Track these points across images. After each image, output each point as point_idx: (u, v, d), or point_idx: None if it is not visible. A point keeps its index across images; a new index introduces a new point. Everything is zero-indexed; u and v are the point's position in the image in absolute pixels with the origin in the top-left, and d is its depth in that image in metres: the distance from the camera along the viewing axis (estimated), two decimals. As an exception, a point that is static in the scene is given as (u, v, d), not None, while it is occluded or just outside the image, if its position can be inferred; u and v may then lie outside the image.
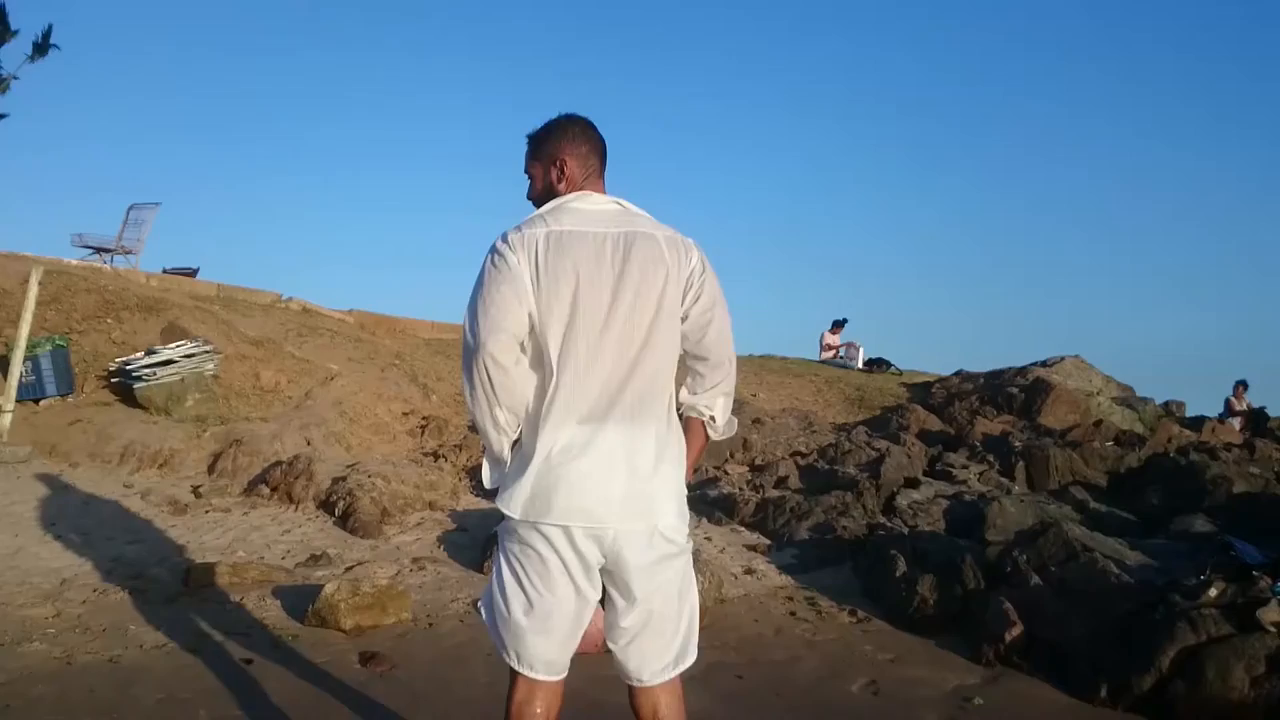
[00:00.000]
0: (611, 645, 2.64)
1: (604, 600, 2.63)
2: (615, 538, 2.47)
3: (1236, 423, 16.00)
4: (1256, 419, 16.34)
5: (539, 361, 2.48)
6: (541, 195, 2.67)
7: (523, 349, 2.48)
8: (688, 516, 2.66)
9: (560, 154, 2.64)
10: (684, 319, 2.59)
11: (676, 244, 2.59)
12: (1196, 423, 14.50)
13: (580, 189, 2.63)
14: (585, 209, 2.58)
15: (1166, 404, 15.59)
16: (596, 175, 2.68)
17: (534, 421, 2.48)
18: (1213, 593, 4.91)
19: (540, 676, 2.53)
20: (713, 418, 2.75)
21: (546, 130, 2.70)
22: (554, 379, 2.45)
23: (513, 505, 2.48)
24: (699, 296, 2.60)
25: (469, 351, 2.44)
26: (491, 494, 2.69)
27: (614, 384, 2.48)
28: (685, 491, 2.65)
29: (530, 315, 2.44)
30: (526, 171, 2.73)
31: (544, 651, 2.51)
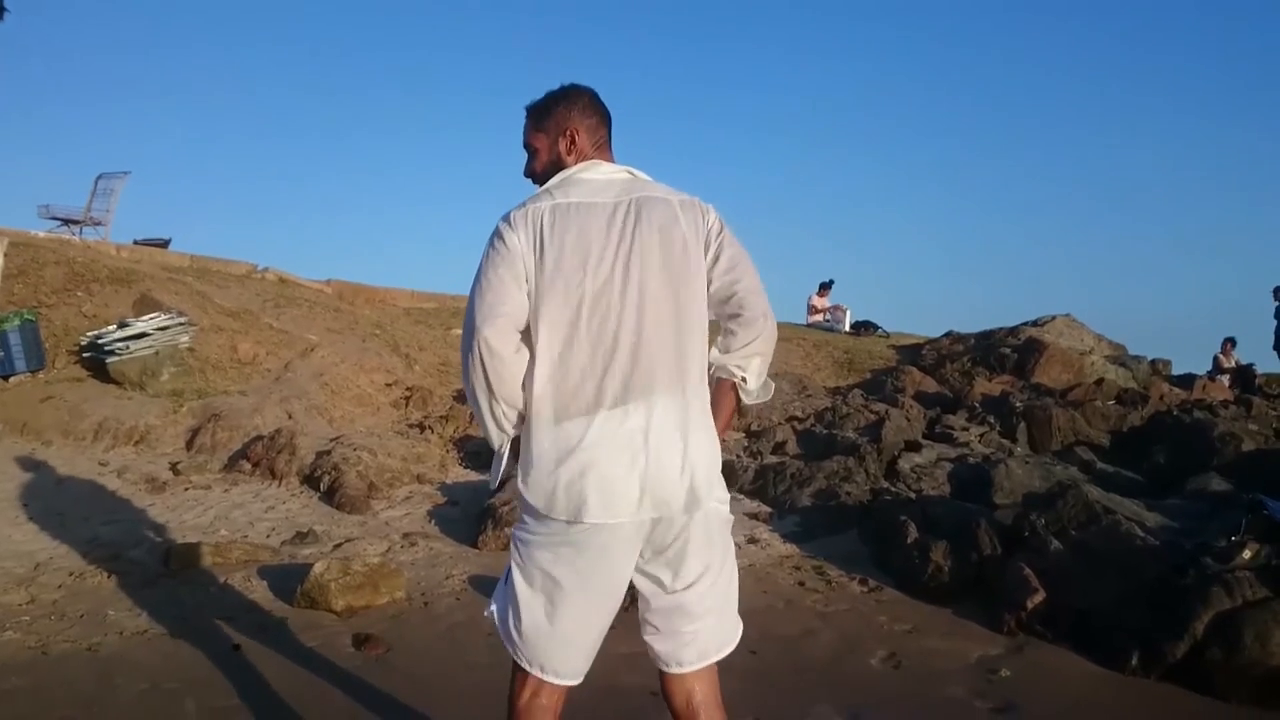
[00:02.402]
0: (648, 633, 2.45)
1: (634, 588, 2.45)
2: (660, 525, 2.29)
3: (1225, 380, 15.91)
4: (1245, 376, 16.26)
5: (551, 345, 2.26)
6: (547, 168, 2.50)
7: (525, 336, 2.27)
8: (724, 483, 2.47)
9: (570, 125, 2.48)
10: (710, 283, 2.43)
11: (691, 206, 2.45)
12: (1185, 380, 14.41)
13: (589, 160, 2.47)
14: (594, 179, 2.42)
15: (1153, 362, 15.50)
16: (605, 146, 2.54)
17: (553, 410, 2.26)
18: (1246, 554, 4.72)
19: (558, 682, 2.35)
20: (744, 379, 2.54)
21: (553, 101, 2.52)
22: (573, 361, 2.25)
23: (538, 503, 2.26)
24: (719, 255, 2.44)
25: (465, 339, 2.25)
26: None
27: (645, 360, 2.28)
28: (719, 462, 2.44)
29: (530, 297, 2.26)
30: (527, 144, 2.55)
31: (564, 660, 2.34)
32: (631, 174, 2.48)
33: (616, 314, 2.28)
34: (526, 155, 2.56)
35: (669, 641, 2.42)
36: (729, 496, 2.47)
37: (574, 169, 2.44)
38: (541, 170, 2.51)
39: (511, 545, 2.38)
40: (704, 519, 2.35)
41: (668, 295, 2.33)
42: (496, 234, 2.31)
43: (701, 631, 2.44)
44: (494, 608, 2.42)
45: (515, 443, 2.36)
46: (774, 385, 2.67)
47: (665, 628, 2.42)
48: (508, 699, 2.39)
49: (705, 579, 2.41)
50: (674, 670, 2.44)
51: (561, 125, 2.48)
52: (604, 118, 2.55)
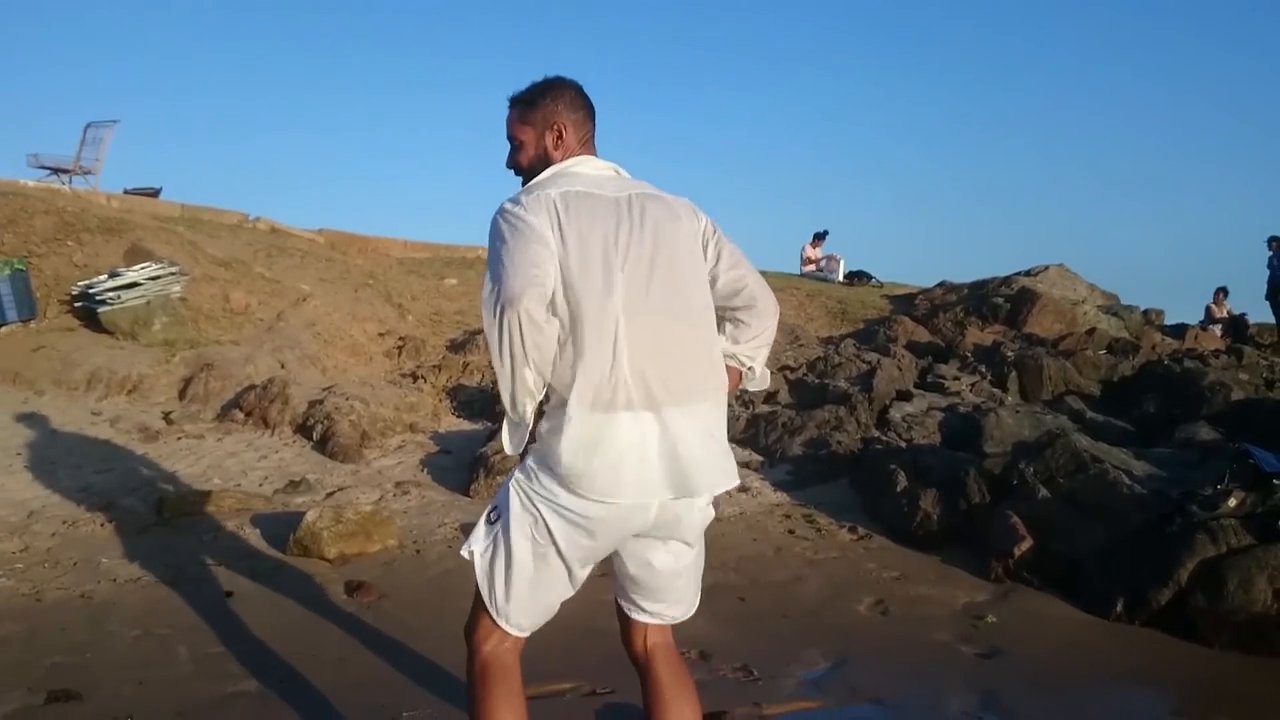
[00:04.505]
0: (629, 596, 2.57)
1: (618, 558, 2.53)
2: (669, 509, 2.34)
3: (1217, 329, 15.93)
4: (1237, 326, 16.29)
5: (578, 327, 2.25)
6: (534, 162, 2.49)
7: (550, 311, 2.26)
8: None
9: (557, 119, 2.47)
10: (715, 279, 2.49)
11: (685, 207, 2.49)
12: (1177, 330, 14.43)
13: (578, 155, 2.47)
14: (589, 173, 2.43)
15: (1145, 312, 15.50)
16: (590, 142, 2.53)
17: (589, 392, 2.24)
18: (1232, 502, 4.76)
19: (520, 635, 2.43)
20: (751, 369, 2.60)
21: (539, 93, 2.50)
22: (606, 346, 2.24)
23: (569, 475, 2.25)
24: (720, 253, 2.50)
25: (497, 309, 2.19)
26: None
27: (676, 353, 2.32)
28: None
29: (558, 276, 2.25)
30: (512, 136, 2.52)
31: (537, 614, 2.43)
32: (618, 172, 2.50)
33: (649, 304, 2.30)
34: (510, 147, 2.54)
35: (645, 604, 2.55)
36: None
37: (566, 163, 2.44)
38: (528, 164, 2.49)
39: (514, 499, 2.36)
40: (703, 511, 2.44)
41: (688, 290, 2.39)
42: (512, 215, 2.27)
43: (669, 608, 2.56)
44: (475, 549, 2.43)
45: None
46: (769, 376, 2.73)
47: (641, 597, 2.54)
48: (468, 639, 2.46)
49: (688, 566, 2.53)
50: (635, 618, 2.57)
51: (549, 119, 2.47)
52: (589, 113, 2.54)
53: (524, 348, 2.18)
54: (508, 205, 2.31)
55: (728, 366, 2.53)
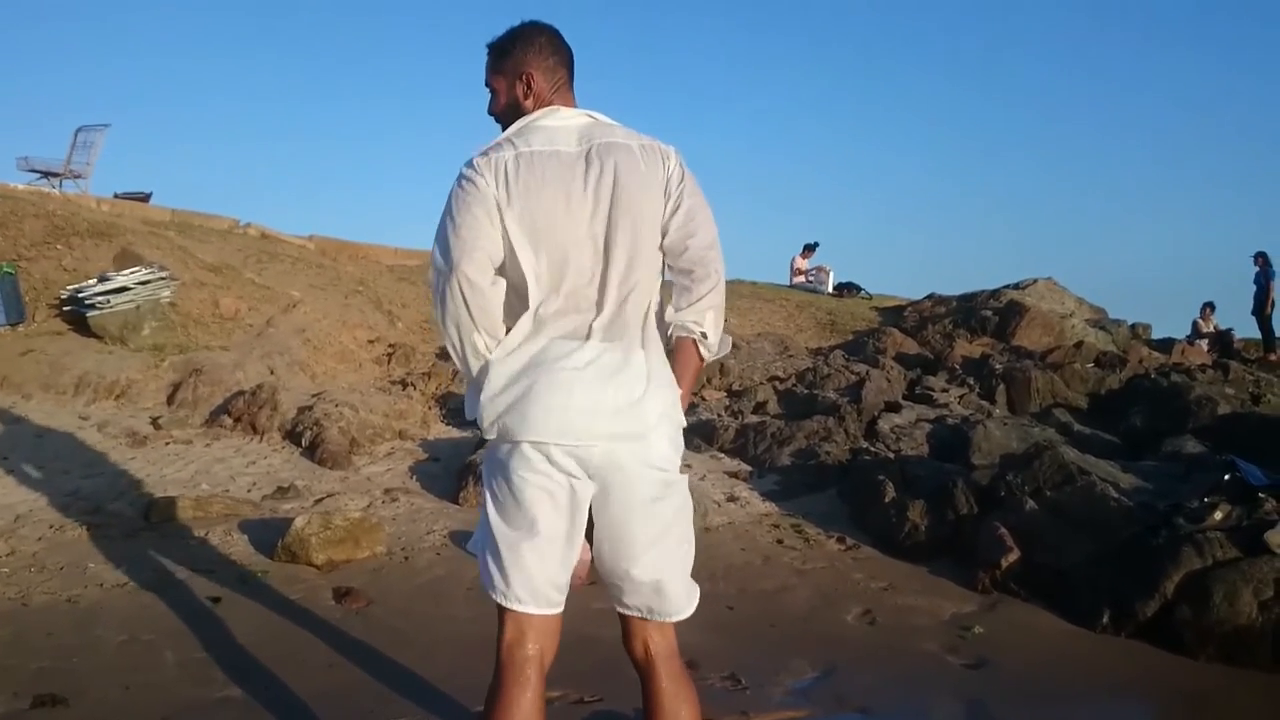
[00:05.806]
0: (605, 580, 2.47)
1: (592, 534, 2.44)
2: (603, 460, 2.30)
3: (1204, 344, 16.02)
4: (1224, 340, 16.38)
5: (512, 287, 2.35)
6: (505, 111, 2.50)
7: (497, 273, 2.33)
8: (682, 447, 2.46)
9: (525, 68, 2.46)
10: (665, 232, 2.42)
11: (652, 152, 2.42)
12: (1164, 345, 14.51)
13: (549, 104, 2.46)
14: (554, 126, 2.42)
15: (1133, 326, 15.60)
16: (565, 88, 2.51)
17: (516, 344, 2.34)
18: (1218, 515, 4.79)
19: (528, 610, 2.33)
20: (704, 334, 2.48)
21: (509, 41, 2.50)
22: (530, 302, 2.32)
23: (487, 425, 2.35)
24: (678, 205, 2.42)
25: (441, 277, 2.31)
26: (467, 422, 2.48)
27: (595, 304, 2.34)
28: (680, 420, 2.45)
29: (502, 239, 2.31)
30: (488, 85, 2.54)
31: (529, 580, 2.33)
32: (592, 118, 2.46)
33: (581, 262, 2.32)
34: (489, 94, 2.55)
35: (619, 589, 2.43)
36: (679, 460, 2.44)
37: (532, 116, 2.43)
38: (500, 113, 2.51)
39: (484, 474, 2.45)
40: (655, 471, 2.36)
41: (629, 245, 2.35)
42: (463, 178, 2.33)
43: (649, 585, 2.41)
44: (475, 535, 2.48)
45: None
46: (730, 340, 2.64)
47: (615, 570, 2.41)
48: (495, 648, 2.40)
49: (655, 536, 2.39)
50: (627, 614, 2.45)
51: (518, 68, 2.46)
52: (563, 58, 2.51)
53: (468, 312, 2.27)
54: (464, 168, 2.36)
55: (681, 340, 2.48)
